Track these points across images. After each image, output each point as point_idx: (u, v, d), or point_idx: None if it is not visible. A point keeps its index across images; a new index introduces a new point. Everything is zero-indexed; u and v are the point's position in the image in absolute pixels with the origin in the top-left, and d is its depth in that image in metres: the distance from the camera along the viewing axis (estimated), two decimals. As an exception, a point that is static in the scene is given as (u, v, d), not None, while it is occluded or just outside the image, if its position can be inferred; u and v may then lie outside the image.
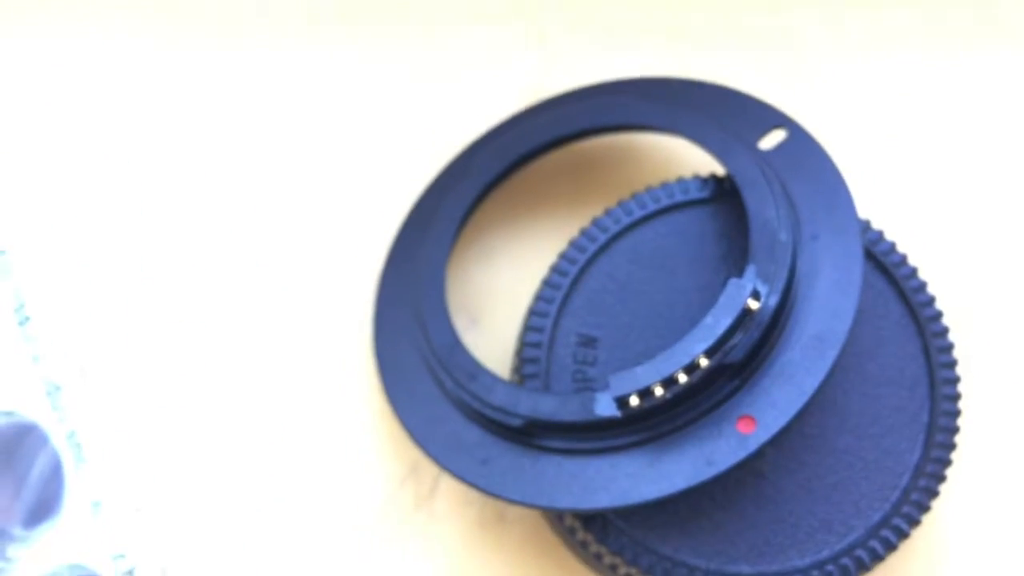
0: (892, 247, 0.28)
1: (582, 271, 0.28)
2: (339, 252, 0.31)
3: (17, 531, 0.28)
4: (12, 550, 0.28)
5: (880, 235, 0.28)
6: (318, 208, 0.32)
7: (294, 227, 0.32)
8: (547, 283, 0.28)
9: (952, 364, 0.27)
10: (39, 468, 0.29)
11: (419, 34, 0.33)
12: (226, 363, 0.30)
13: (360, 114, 0.33)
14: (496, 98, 0.32)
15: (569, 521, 0.27)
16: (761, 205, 0.26)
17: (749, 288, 0.24)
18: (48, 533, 0.28)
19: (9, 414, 0.29)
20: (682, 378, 0.24)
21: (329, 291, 0.31)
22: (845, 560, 0.26)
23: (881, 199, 0.30)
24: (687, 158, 0.31)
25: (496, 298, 0.31)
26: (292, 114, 0.33)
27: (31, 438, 0.29)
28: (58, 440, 0.29)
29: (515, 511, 0.29)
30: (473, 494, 0.29)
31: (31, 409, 0.29)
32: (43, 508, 0.28)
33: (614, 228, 0.28)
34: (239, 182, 0.32)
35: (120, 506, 0.28)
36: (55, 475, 0.29)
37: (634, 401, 0.24)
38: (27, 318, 0.30)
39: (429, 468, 0.29)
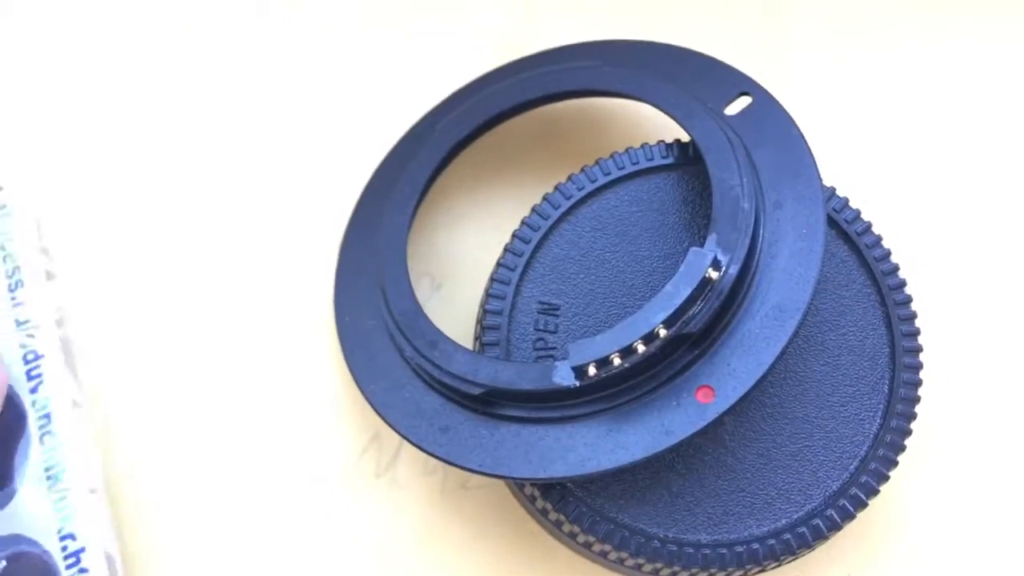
0: (857, 215, 0.27)
1: (544, 238, 0.27)
2: (300, 216, 0.31)
3: None
4: None
5: (845, 202, 0.28)
6: (278, 171, 0.31)
7: (252, 191, 0.31)
8: (509, 250, 0.27)
9: (914, 334, 0.27)
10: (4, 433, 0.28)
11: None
12: (187, 333, 0.30)
13: (323, 73, 0.32)
14: (467, 59, 0.31)
15: (529, 489, 0.27)
16: (724, 172, 0.26)
17: (710, 257, 0.24)
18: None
19: None
20: (640, 348, 0.24)
21: (290, 257, 0.31)
22: (802, 529, 0.26)
23: (847, 165, 0.29)
24: (655, 123, 0.31)
25: (460, 264, 0.31)
26: (251, 74, 0.32)
27: (8, 402, 0.28)
28: (28, 407, 0.28)
29: (477, 478, 0.29)
30: (435, 462, 0.29)
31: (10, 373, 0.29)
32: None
33: (577, 195, 0.28)
34: (194, 148, 0.32)
35: (77, 485, 0.28)
36: (21, 444, 0.28)
37: (592, 370, 0.24)
38: (19, 282, 0.29)
39: (391, 436, 0.29)
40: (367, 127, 0.31)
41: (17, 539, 0.28)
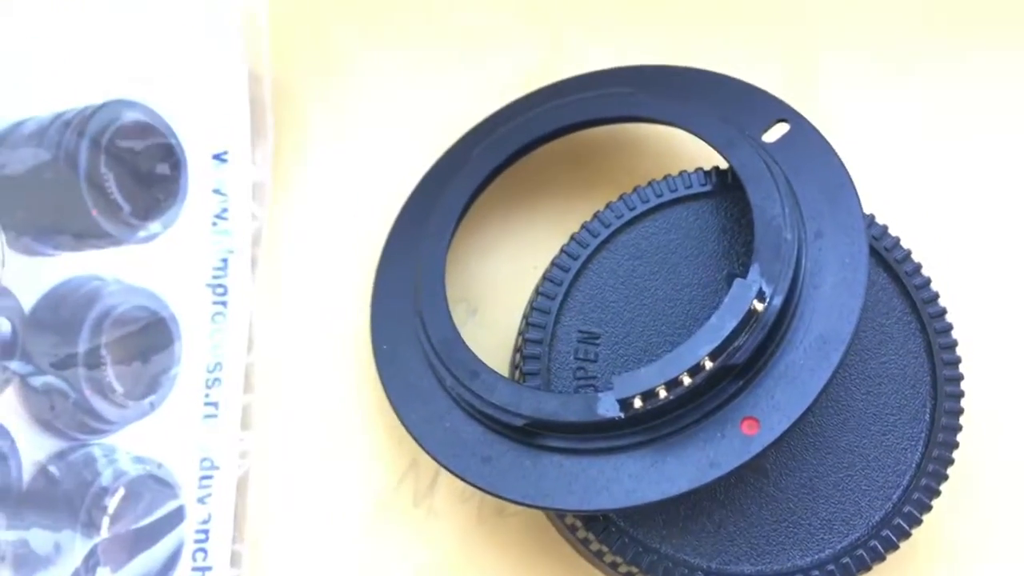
0: (896, 242, 0.27)
1: (583, 266, 0.27)
2: (336, 242, 0.31)
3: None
4: None
5: (884, 230, 0.28)
6: (314, 195, 0.31)
7: (289, 215, 0.31)
8: (548, 278, 0.27)
9: (955, 362, 0.27)
10: (165, 545, 0.28)
11: (421, 20, 0.32)
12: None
13: (358, 99, 0.32)
14: (499, 83, 0.31)
15: (570, 519, 0.27)
16: (766, 201, 0.26)
17: (755, 289, 0.24)
18: None
19: (157, 465, 0.29)
20: (686, 380, 0.24)
21: (326, 284, 0.31)
22: (846, 559, 0.25)
23: (886, 192, 0.29)
24: (691, 149, 0.31)
25: (495, 289, 0.31)
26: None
27: (168, 507, 0.28)
28: (191, 519, 0.28)
29: (515, 506, 0.29)
30: (472, 489, 0.29)
31: (180, 473, 0.29)
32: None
33: (615, 223, 0.28)
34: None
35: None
36: (174, 555, 0.28)
37: (637, 403, 0.24)
38: (217, 379, 0.29)
39: (429, 463, 0.29)
40: (401, 154, 0.31)
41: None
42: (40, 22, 0.30)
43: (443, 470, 0.29)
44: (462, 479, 0.26)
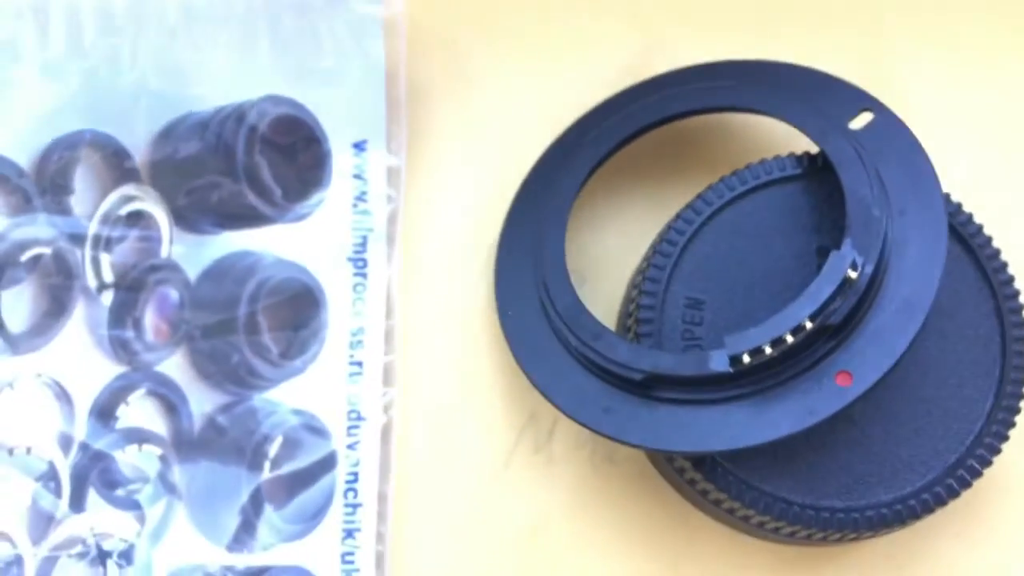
0: (970, 218, 0.31)
1: (690, 241, 0.31)
2: (462, 220, 0.35)
3: (272, 515, 0.32)
4: (263, 534, 0.32)
5: (958, 207, 0.31)
6: (443, 179, 0.35)
7: (421, 197, 0.35)
8: (658, 251, 0.31)
9: (1022, 324, 0.30)
10: (321, 485, 0.32)
11: (534, 26, 0.36)
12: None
13: (480, 96, 0.35)
14: (602, 80, 0.35)
15: (679, 462, 0.30)
16: (856, 183, 0.29)
17: (849, 259, 0.28)
18: (297, 539, 0.32)
19: (310, 416, 0.32)
20: (789, 338, 0.27)
21: (455, 256, 0.34)
22: (925, 496, 0.29)
23: (959, 173, 0.32)
24: (775, 136, 0.34)
25: (603, 261, 0.34)
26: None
27: (322, 452, 0.32)
28: (343, 463, 0.32)
29: (623, 453, 0.33)
30: (584, 438, 0.33)
31: (331, 423, 0.32)
32: (303, 514, 0.32)
33: (718, 202, 0.31)
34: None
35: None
36: (329, 494, 0.32)
37: (746, 359, 0.28)
38: (360, 342, 0.33)
39: (546, 416, 0.33)
40: (517, 142, 0.35)
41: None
42: (200, 28, 0.34)
43: (559, 422, 0.33)
44: (588, 428, 0.30)
